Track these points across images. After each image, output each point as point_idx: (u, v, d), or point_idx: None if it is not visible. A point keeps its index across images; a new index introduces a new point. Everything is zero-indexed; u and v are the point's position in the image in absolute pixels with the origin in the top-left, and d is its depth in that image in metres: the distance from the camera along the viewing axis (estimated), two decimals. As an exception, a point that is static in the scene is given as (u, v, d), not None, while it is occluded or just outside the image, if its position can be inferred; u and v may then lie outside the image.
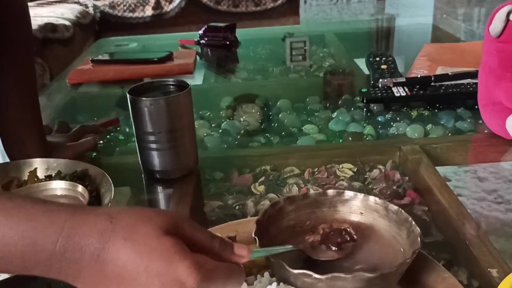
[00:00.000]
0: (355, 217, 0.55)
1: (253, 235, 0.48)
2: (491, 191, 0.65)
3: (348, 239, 0.50)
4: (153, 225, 0.39)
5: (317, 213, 0.56)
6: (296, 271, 0.44)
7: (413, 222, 0.50)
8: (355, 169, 0.81)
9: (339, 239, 0.49)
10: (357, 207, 0.55)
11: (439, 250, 0.61)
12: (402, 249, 0.49)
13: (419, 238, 0.48)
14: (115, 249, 0.38)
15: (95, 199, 0.67)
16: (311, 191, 0.75)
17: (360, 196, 0.55)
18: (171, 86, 0.77)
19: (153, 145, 0.73)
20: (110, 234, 0.38)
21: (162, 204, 0.75)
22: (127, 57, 1.36)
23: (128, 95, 0.72)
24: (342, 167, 0.82)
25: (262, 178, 0.80)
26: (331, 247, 0.49)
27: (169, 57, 1.35)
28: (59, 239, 0.37)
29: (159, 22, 3.35)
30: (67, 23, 2.59)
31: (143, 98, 0.70)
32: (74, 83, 1.25)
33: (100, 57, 1.36)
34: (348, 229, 0.51)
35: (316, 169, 0.82)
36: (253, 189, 0.78)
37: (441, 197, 0.69)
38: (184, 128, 0.74)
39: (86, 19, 2.93)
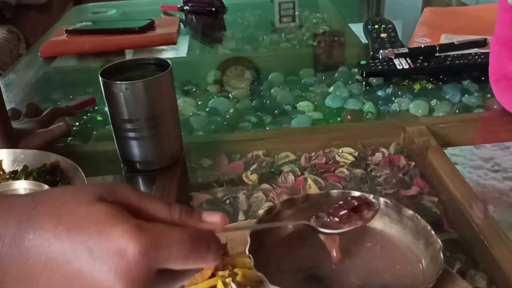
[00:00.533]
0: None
1: (247, 252, 0.41)
2: (488, 159, 0.61)
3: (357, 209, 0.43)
4: (83, 193, 0.32)
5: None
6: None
7: (433, 232, 0.43)
8: (356, 154, 0.74)
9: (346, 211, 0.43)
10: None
11: (453, 249, 0.55)
12: (421, 265, 0.42)
13: (441, 254, 0.41)
14: (37, 227, 0.30)
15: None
16: (309, 181, 0.68)
17: (369, 197, 0.48)
18: (150, 65, 0.68)
19: (132, 134, 0.65)
20: (31, 211, 0.31)
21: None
22: (105, 27, 1.25)
23: (100, 78, 0.63)
24: (342, 152, 0.74)
25: (255, 166, 0.73)
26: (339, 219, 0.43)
27: (150, 26, 1.24)
28: None
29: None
30: (42, -13, 2.42)
31: (118, 82, 0.61)
32: (47, 57, 1.15)
33: (76, 27, 1.25)
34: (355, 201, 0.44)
35: (313, 154, 0.75)
36: (244, 179, 0.71)
37: (453, 187, 0.62)
38: (166, 113, 0.66)
39: (63, -18, 2.76)
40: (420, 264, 0.42)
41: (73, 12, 1.55)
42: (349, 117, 0.86)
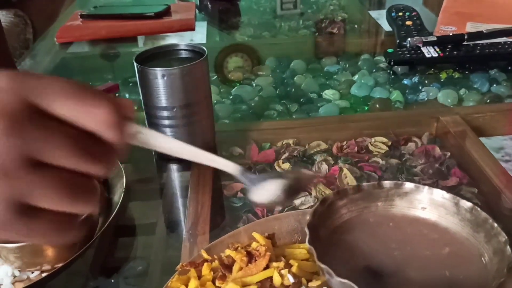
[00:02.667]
0: (415, 213, 0.47)
1: (307, 243, 0.40)
2: (499, 149, 0.63)
3: None
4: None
5: (371, 208, 0.48)
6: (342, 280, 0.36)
7: (495, 224, 0.42)
8: (389, 143, 0.73)
9: None
10: (418, 201, 0.47)
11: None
12: (483, 259, 0.41)
13: (508, 247, 0.40)
14: None
15: (104, 186, 0.58)
16: (345, 171, 0.67)
17: (423, 188, 0.47)
18: (183, 52, 0.67)
19: (166, 122, 0.64)
20: None
21: (179, 188, 0.66)
22: (120, 12, 1.23)
23: (135, 64, 0.62)
24: (375, 141, 0.73)
25: (286, 154, 0.72)
26: None
27: (167, 11, 1.22)
28: None
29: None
30: (47, -30, 2.38)
31: (155, 68, 0.60)
32: (64, 42, 1.13)
33: (91, 11, 1.23)
34: None
35: (345, 143, 0.73)
36: (276, 167, 0.69)
37: (494, 177, 0.62)
38: (201, 101, 0.64)
39: (67, -34, 2.72)
40: (483, 258, 0.41)
41: (84, -4, 1.52)
42: (377, 106, 0.85)
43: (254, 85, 0.95)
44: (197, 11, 1.32)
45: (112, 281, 0.49)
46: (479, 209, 0.44)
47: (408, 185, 0.47)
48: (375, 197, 0.48)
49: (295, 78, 0.96)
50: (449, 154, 0.70)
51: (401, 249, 0.44)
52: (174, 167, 0.69)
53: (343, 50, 1.12)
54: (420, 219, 0.47)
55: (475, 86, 0.89)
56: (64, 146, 0.28)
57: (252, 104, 0.87)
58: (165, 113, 0.63)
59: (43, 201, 0.28)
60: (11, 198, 0.27)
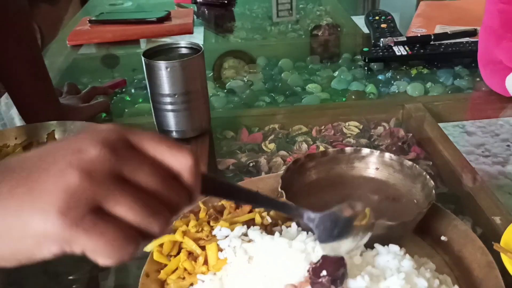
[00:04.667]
0: (371, 173, 0.59)
1: (279, 189, 0.52)
2: (479, 145, 0.68)
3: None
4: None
5: (336, 169, 0.59)
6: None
7: (428, 176, 0.54)
8: (360, 127, 0.85)
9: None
10: (373, 163, 0.59)
11: (445, 201, 0.65)
12: (415, 201, 0.53)
13: (433, 191, 0.52)
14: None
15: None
16: (321, 148, 0.78)
17: (376, 153, 0.59)
18: (183, 49, 0.79)
19: (169, 107, 0.75)
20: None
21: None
22: (125, 17, 1.35)
23: (143, 58, 0.74)
24: (349, 125, 0.85)
25: (272, 137, 0.83)
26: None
27: (167, 17, 1.34)
28: None
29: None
30: (52, -20, 2.51)
31: (160, 62, 0.72)
32: (74, 44, 1.25)
33: (98, 17, 1.35)
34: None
35: (323, 127, 0.85)
36: (263, 147, 0.81)
37: (446, 152, 0.73)
38: (198, 89, 0.76)
39: (70, -25, 2.85)
40: (415, 200, 0.53)
41: (91, 3, 1.65)
42: (353, 97, 0.97)
43: (246, 80, 1.07)
44: (195, 17, 1.45)
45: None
46: (417, 166, 0.56)
47: (365, 150, 0.59)
48: (339, 160, 0.60)
49: (282, 75, 1.08)
50: (411, 135, 0.82)
51: (357, 197, 0.56)
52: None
53: (327, 50, 1.24)
54: (374, 178, 0.59)
55: (440, 80, 1.01)
56: (150, 172, 0.32)
57: (244, 96, 0.99)
58: (168, 99, 0.74)
59: (118, 208, 0.31)
60: (93, 198, 0.30)
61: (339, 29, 1.35)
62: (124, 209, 0.31)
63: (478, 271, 0.48)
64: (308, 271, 0.42)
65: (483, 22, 0.88)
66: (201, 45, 0.76)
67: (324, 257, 0.42)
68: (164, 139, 0.33)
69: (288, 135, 0.84)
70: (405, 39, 1.04)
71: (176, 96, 0.74)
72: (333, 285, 0.40)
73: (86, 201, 0.30)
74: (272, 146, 0.81)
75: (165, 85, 0.73)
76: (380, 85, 1.00)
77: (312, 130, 0.85)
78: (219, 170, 0.76)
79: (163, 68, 0.72)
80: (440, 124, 0.82)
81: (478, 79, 0.97)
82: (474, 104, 0.91)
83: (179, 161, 0.33)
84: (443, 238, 0.54)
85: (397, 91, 0.98)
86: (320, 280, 0.40)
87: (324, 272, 0.40)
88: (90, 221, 0.30)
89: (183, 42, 0.79)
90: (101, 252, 0.31)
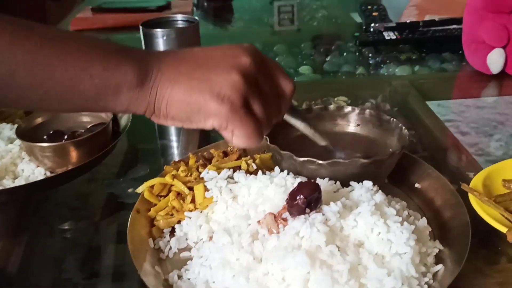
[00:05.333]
0: (352, 129, 0.63)
1: (266, 138, 0.55)
2: (473, 145, 0.71)
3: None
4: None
5: (320, 125, 0.63)
6: (301, 159, 0.51)
7: (403, 127, 0.57)
8: (349, 101, 0.88)
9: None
10: (354, 120, 0.62)
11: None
12: (391, 149, 0.57)
13: (407, 138, 0.55)
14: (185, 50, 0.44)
15: (114, 122, 0.73)
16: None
17: (357, 110, 0.62)
18: (180, 22, 0.83)
19: (165, 75, 0.79)
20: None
21: (174, 131, 0.81)
22: (126, 6, 1.39)
23: (141, 27, 0.78)
24: (337, 100, 0.89)
25: (264, 110, 0.87)
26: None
27: (167, 6, 1.39)
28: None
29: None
30: (57, -22, 2.57)
31: (157, 30, 0.76)
32: (77, 30, 1.29)
33: (100, 5, 1.39)
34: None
35: (313, 102, 0.89)
36: (255, 119, 0.85)
37: (427, 121, 0.77)
38: (193, 59, 0.80)
39: (75, -24, 2.91)
40: (391, 149, 0.57)
41: (93, -4, 1.69)
42: (343, 77, 1.00)
43: (241, 63, 1.10)
44: (194, 9, 1.49)
45: (121, 180, 0.64)
46: (394, 119, 0.59)
47: (347, 108, 0.63)
48: (322, 116, 0.63)
49: (276, 58, 1.12)
50: (396, 109, 0.85)
51: (339, 147, 0.59)
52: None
53: (321, 38, 1.28)
54: (355, 133, 0.62)
55: (428, 64, 1.05)
56: (272, 86, 0.45)
57: (238, 76, 1.03)
58: (164, 67, 0.78)
59: (256, 106, 0.42)
60: (246, 94, 0.41)
61: (333, 20, 1.39)
62: (258, 107, 0.43)
63: (448, 210, 0.52)
64: (286, 200, 0.46)
65: (467, 4, 0.92)
66: (196, 18, 0.80)
67: (300, 183, 0.46)
68: (283, 70, 0.46)
69: (279, 108, 0.88)
70: (394, 24, 1.08)
71: (172, 65, 0.78)
72: (307, 208, 0.44)
73: (243, 95, 0.41)
74: (263, 117, 0.85)
75: (161, 53, 0.77)
76: (370, 68, 1.04)
77: (302, 104, 0.88)
78: (212, 137, 0.79)
79: (159, 36, 0.76)
80: (429, 103, 0.85)
81: (464, 63, 1.01)
82: (458, 83, 0.95)
83: (287, 86, 0.46)
84: (417, 185, 0.57)
85: (386, 73, 1.02)
86: (296, 202, 0.44)
87: (300, 196, 0.44)
88: (243, 112, 0.42)
89: (179, 16, 0.83)
90: (243, 137, 0.42)
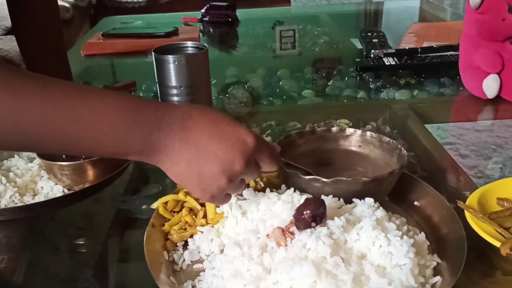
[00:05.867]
0: (354, 150, 0.66)
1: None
2: (472, 167, 0.73)
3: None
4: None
5: (323, 146, 0.66)
6: (307, 177, 0.54)
7: (402, 148, 0.61)
8: (350, 124, 0.92)
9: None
10: (356, 141, 0.66)
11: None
12: (390, 169, 0.60)
13: (406, 157, 0.59)
14: (193, 121, 0.47)
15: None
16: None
17: (359, 132, 0.66)
18: (190, 48, 0.87)
19: (175, 98, 0.83)
20: (190, 111, 0.48)
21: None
22: (136, 32, 1.45)
23: (153, 53, 0.82)
24: (339, 122, 0.93)
25: (268, 131, 0.91)
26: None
27: (175, 32, 1.44)
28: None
29: (154, 8, 3.41)
30: (66, 4, 2.65)
31: (169, 56, 0.80)
32: (88, 54, 1.34)
33: (111, 31, 1.45)
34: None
35: (316, 124, 0.93)
36: (261, 140, 0.88)
37: (426, 143, 0.81)
38: (201, 83, 0.84)
39: (83, 2, 3.00)
40: (391, 169, 0.60)
41: (103, 22, 1.75)
42: (345, 101, 1.04)
43: (246, 86, 1.15)
44: (201, 35, 1.55)
45: (135, 197, 0.67)
46: (394, 141, 0.63)
47: (349, 130, 0.67)
48: (325, 138, 0.67)
49: (280, 82, 1.16)
50: (396, 131, 0.89)
51: (343, 168, 0.63)
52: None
53: (323, 62, 1.33)
54: (357, 152, 0.66)
55: (426, 88, 1.09)
56: (254, 177, 0.53)
57: (244, 100, 1.07)
58: (174, 91, 0.82)
59: (233, 191, 0.52)
60: (226, 190, 0.50)
61: (334, 46, 1.44)
62: (235, 191, 0.53)
63: (445, 226, 0.55)
64: (293, 215, 0.49)
65: (463, 31, 0.97)
66: (206, 45, 0.85)
67: (306, 199, 0.49)
68: (272, 157, 0.53)
69: (284, 130, 0.91)
70: (393, 51, 1.13)
71: (182, 88, 0.82)
72: (313, 222, 0.47)
73: (224, 192, 0.50)
74: (268, 139, 0.88)
75: (172, 78, 0.81)
76: (371, 92, 1.08)
77: (305, 127, 0.92)
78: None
79: (171, 62, 0.80)
80: (428, 126, 0.88)
81: (461, 88, 1.05)
82: (455, 107, 0.99)
83: (270, 168, 0.54)
84: (416, 203, 0.60)
85: (386, 97, 1.06)
86: (303, 216, 0.47)
87: (306, 211, 0.47)
88: (220, 199, 0.51)
89: (189, 42, 0.88)
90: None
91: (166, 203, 0.58)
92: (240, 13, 1.70)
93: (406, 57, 1.12)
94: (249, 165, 0.49)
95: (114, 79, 1.23)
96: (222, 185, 0.48)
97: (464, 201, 0.57)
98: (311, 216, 0.47)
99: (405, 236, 0.48)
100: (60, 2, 2.64)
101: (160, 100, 0.86)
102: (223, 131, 0.48)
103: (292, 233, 0.48)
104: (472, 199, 0.57)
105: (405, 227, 0.51)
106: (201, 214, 0.56)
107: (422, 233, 0.51)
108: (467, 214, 0.54)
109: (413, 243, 0.47)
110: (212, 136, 0.47)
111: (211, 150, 0.47)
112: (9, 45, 1.85)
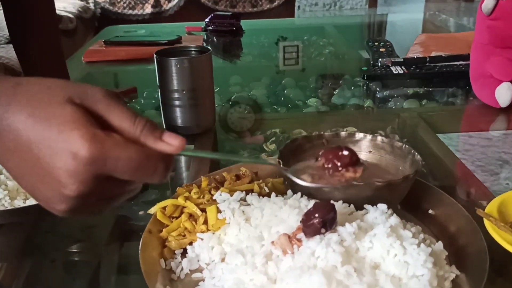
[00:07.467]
0: (364, 156, 0.63)
1: (277, 159, 0.55)
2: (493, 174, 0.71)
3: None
4: (57, 91, 0.36)
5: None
6: (314, 185, 0.51)
7: (416, 153, 0.57)
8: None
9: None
10: (366, 146, 0.63)
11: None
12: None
13: (420, 163, 0.55)
14: (14, 114, 0.35)
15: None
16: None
17: (369, 137, 0.63)
18: (193, 52, 0.84)
19: (177, 102, 0.80)
20: (12, 98, 0.36)
21: (184, 157, 0.82)
22: (138, 39, 1.43)
23: (155, 56, 0.79)
24: (346, 130, 0.89)
25: (273, 139, 0.87)
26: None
27: (178, 41, 1.42)
28: None
29: (157, 20, 3.41)
30: (70, 15, 2.65)
31: (171, 58, 0.77)
32: (89, 61, 1.32)
33: (113, 39, 1.43)
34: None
35: (322, 132, 0.89)
36: (265, 147, 0.85)
37: (437, 151, 0.77)
38: (204, 88, 0.81)
39: (87, 14, 3.00)
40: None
41: (106, 31, 1.73)
42: (352, 109, 1.01)
43: (250, 94, 1.12)
44: (204, 44, 1.52)
45: (132, 202, 0.64)
46: (406, 146, 0.59)
47: (358, 135, 0.63)
48: (334, 143, 0.63)
49: (285, 91, 1.13)
50: (405, 139, 0.86)
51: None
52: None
53: (328, 72, 1.30)
54: (366, 161, 0.62)
55: (435, 98, 1.06)
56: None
57: (247, 106, 1.04)
58: (176, 95, 0.79)
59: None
60: (67, 209, 0.37)
61: (340, 56, 1.42)
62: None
63: (463, 236, 0.51)
64: (301, 221, 0.45)
65: (474, 39, 0.94)
66: (209, 48, 0.82)
67: (316, 203, 0.45)
68: (136, 164, 0.37)
69: (288, 138, 0.88)
70: (401, 59, 1.10)
71: (184, 92, 0.79)
72: (323, 228, 0.43)
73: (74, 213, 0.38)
74: (273, 146, 0.85)
75: (174, 81, 0.78)
76: (378, 102, 1.05)
77: (312, 134, 0.89)
78: (222, 165, 0.80)
79: (173, 65, 0.77)
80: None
81: (471, 98, 1.02)
82: (467, 116, 0.95)
83: (151, 180, 0.40)
84: (430, 211, 0.57)
85: (394, 107, 1.03)
86: (311, 222, 0.43)
87: (315, 215, 0.43)
88: (81, 213, 0.38)
89: (193, 46, 0.85)
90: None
91: (164, 208, 0.55)
92: (245, 24, 1.68)
93: (414, 66, 1.09)
94: (90, 186, 0.35)
95: (116, 86, 1.20)
96: (61, 210, 0.37)
97: (482, 210, 0.53)
98: (321, 221, 0.43)
99: (422, 245, 0.44)
100: (63, 13, 2.63)
101: (161, 104, 0.83)
102: (44, 140, 0.35)
103: (300, 240, 0.44)
104: (492, 207, 0.53)
105: (421, 235, 0.47)
106: (201, 220, 0.53)
107: (440, 242, 0.48)
108: (487, 223, 0.51)
109: (430, 252, 0.44)
110: (21, 167, 0.36)
111: (24, 184, 0.37)
112: (11, 53, 1.84)
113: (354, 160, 0.43)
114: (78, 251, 0.59)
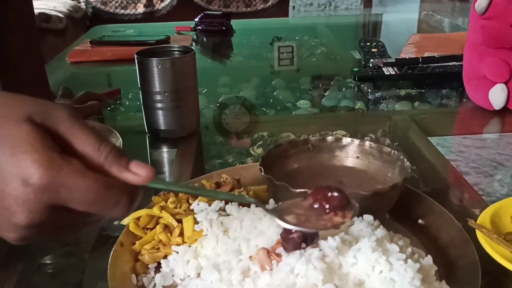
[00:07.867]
0: (351, 161, 0.60)
1: (259, 166, 0.52)
2: (473, 185, 0.69)
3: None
4: (16, 108, 0.33)
5: (317, 157, 0.60)
6: (298, 190, 0.48)
7: (405, 159, 0.54)
8: (347, 135, 0.86)
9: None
10: (353, 152, 0.60)
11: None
12: (391, 184, 0.54)
13: (409, 170, 0.52)
14: None
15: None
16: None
17: (356, 141, 0.60)
18: (176, 52, 0.81)
19: (159, 105, 0.77)
20: None
21: (166, 162, 0.79)
22: (125, 39, 1.39)
23: (136, 56, 0.76)
24: (336, 133, 0.86)
25: (260, 142, 0.84)
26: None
27: (166, 40, 1.38)
28: None
29: (150, 20, 3.37)
30: (60, 15, 2.61)
31: (152, 59, 0.74)
32: (74, 62, 1.28)
33: (100, 38, 1.39)
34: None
35: (311, 136, 0.86)
36: (251, 151, 0.82)
37: (428, 155, 0.74)
38: (187, 89, 0.78)
39: (78, 13, 2.95)
40: (391, 183, 0.54)
41: (94, 30, 1.70)
42: (342, 112, 0.98)
43: (238, 96, 1.09)
44: (194, 44, 1.49)
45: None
46: (395, 151, 0.56)
47: (345, 139, 0.60)
48: (320, 149, 0.60)
49: (275, 93, 1.10)
50: (396, 143, 0.83)
51: (338, 181, 0.56)
52: (164, 144, 0.81)
53: (319, 73, 1.27)
54: (354, 167, 0.59)
55: (428, 100, 1.03)
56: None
57: (235, 109, 1.01)
58: (158, 97, 0.76)
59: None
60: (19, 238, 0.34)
61: (332, 56, 1.39)
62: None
63: (454, 248, 0.48)
64: (280, 234, 0.42)
65: (467, 39, 0.91)
66: (193, 48, 0.79)
67: (295, 216, 0.42)
68: (95, 195, 0.33)
69: (276, 142, 0.85)
70: (393, 60, 1.07)
71: (166, 94, 0.76)
72: (303, 242, 0.40)
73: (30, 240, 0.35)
74: (259, 150, 0.82)
75: (156, 83, 0.75)
76: (370, 103, 1.02)
77: (300, 138, 0.86)
78: (206, 170, 0.77)
79: (154, 65, 0.74)
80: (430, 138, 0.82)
81: (465, 99, 0.99)
82: (460, 118, 0.93)
83: (110, 214, 0.37)
84: (420, 221, 0.54)
85: (386, 109, 1.00)
86: (291, 236, 0.40)
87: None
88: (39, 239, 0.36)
89: (176, 45, 0.82)
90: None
91: (138, 218, 0.52)
92: (236, 23, 1.65)
93: (406, 67, 1.07)
94: (41, 215, 0.32)
95: (101, 86, 1.17)
96: (11, 238, 0.34)
97: (475, 220, 0.50)
98: (301, 235, 0.40)
99: (409, 260, 0.41)
100: (53, 12, 2.60)
101: (143, 107, 0.80)
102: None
103: (279, 255, 0.41)
104: (484, 217, 0.51)
105: (409, 249, 0.44)
106: (177, 231, 0.50)
107: (429, 256, 0.45)
108: (479, 235, 0.48)
109: (418, 268, 0.41)
110: None
111: None
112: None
113: (344, 203, 0.40)
114: (43, 262, 0.55)
